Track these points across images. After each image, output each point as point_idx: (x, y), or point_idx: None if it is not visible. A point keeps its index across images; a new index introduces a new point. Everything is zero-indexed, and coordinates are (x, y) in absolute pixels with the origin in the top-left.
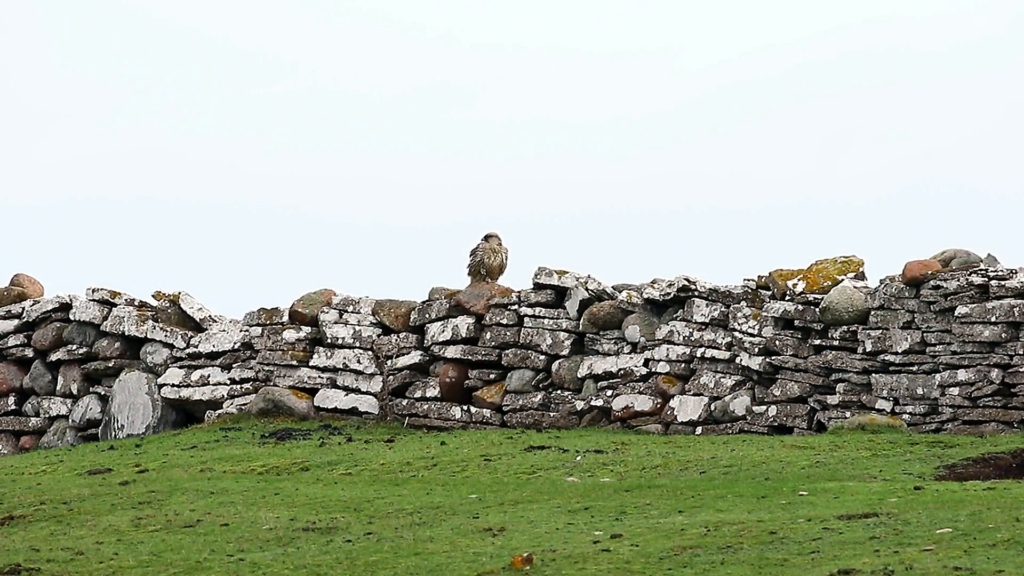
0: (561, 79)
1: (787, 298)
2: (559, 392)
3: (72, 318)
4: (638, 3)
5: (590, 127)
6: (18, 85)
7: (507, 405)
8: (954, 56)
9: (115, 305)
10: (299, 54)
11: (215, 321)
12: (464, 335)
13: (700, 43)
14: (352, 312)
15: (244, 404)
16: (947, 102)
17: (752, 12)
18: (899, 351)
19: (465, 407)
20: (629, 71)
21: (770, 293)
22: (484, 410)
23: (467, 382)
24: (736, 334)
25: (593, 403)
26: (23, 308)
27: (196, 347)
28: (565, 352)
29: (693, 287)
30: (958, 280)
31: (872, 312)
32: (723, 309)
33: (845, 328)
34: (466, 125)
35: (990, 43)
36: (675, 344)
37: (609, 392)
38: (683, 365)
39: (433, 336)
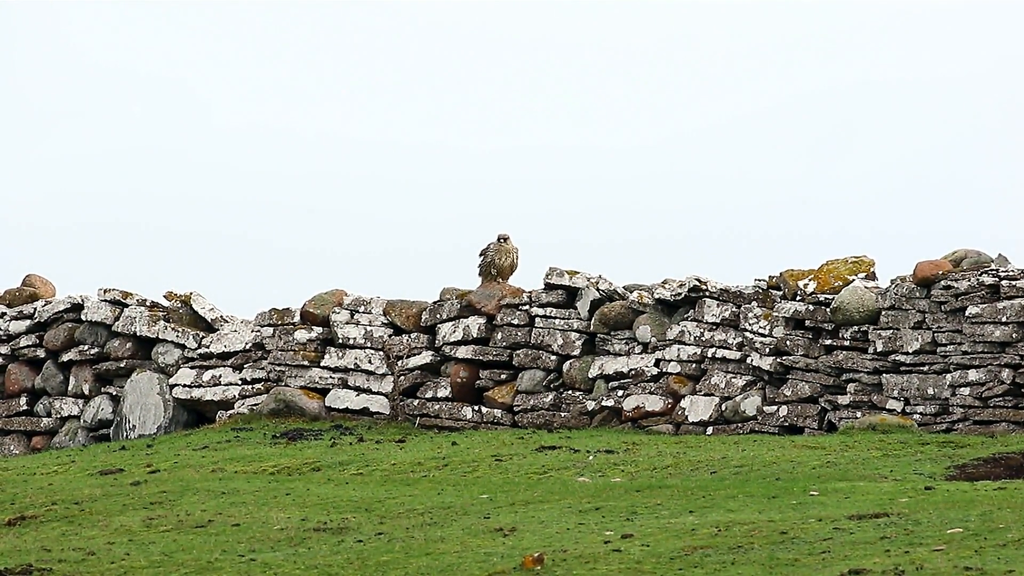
0: (568, 83)
1: (798, 298)
2: (570, 392)
3: (84, 318)
4: (651, 9)
5: (599, 129)
6: (23, 83)
7: (518, 405)
8: (961, 55)
9: (127, 305)
10: (309, 54)
11: (227, 321)
12: (475, 335)
13: (711, 43)
14: (363, 312)
15: (255, 404)
16: (954, 101)
17: (766, 21)
18: (910, 351)
19: (476, 407)
20: (639, 74)
21: (781, 293)
22: (495, 410)
23: (478, 382)
24: (747, 334)
25: (604, 403)
26: (35, 309)
27: (208, 347)
28: (576, 352)
29: (704, 287)
30: (969, 280)
31: (883, 312)
32: (734, 309)
33: (856, 328)
34: (479, 126)
35: (997, 46)
36: (686, 344)
37: (620, 392)
38: (694, 365)
39: (444, 336)
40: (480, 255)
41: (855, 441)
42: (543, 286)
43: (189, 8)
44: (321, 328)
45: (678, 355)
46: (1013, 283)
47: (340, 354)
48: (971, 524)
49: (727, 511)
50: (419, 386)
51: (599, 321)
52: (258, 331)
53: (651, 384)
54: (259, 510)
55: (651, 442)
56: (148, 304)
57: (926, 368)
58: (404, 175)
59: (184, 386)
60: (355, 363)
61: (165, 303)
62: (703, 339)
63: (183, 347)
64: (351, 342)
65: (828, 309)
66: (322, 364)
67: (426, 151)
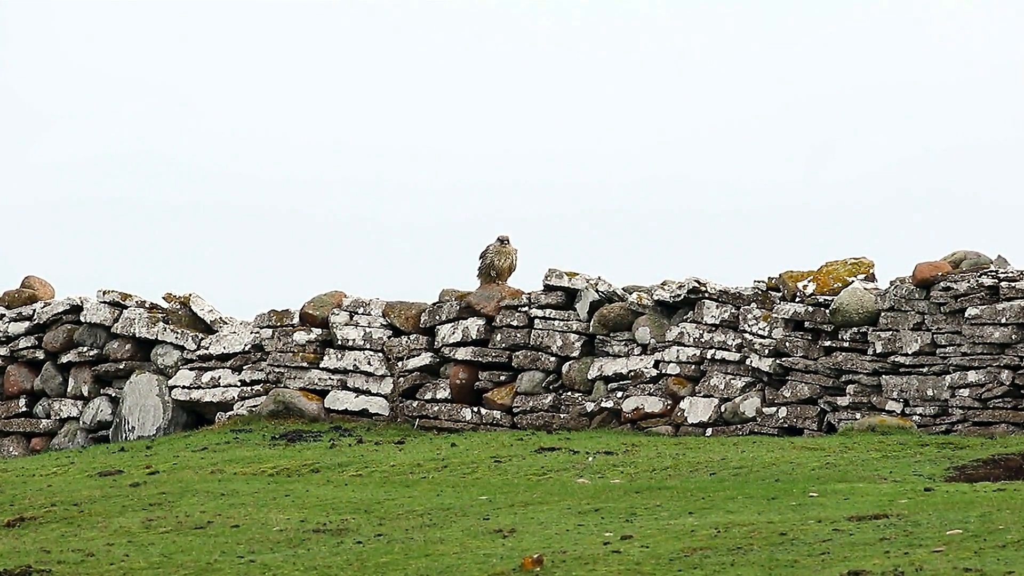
0: (567, 87)
1: (797, 300)
2: (569, 394)
3: (83, 320)
4: (650, 14)
5: (598, 127)
6: (22, 83)
7: (517, 407)
8: (960, 59)
9: (126, 307)
10: (306, 57)
11: (226, 323)
12: (474, 337)
13: (708, 40)
14: (363, 314)
15: (255, 406)
16: (953, 104)
17: (764, 25)
18: (909, 352)
19: (475, 409)
20: (637, 78)
21: (780, 295)
22: (494, 412)
23: (477, 384)
24: (746, 335)
25: (603, 405)
26: (34, 310)
27: (207, 349)
28: (575, 354)
29: (703, 289)
30: (968, 281)
31: (882, 313)
32: (733, 311)
33: (855, 329)
34: (479, 129)
35: (998, 43)
36: (685, 346)
37: (619, 394)
38: (693, 367)
39: (443, 338)
40: (479, 257)
41: (854, 442)
42: (542, 287)
43: (185, 12)
44: (320, 330)
45: (677, 356)
46: (1012, 284)
47: (339, 355)
48: (971, 525)
49: (726, 512)
50: (418, 387)
51: (598, 322)
52: (257, 332)
53: (650, 385)
54: (258, 511)
55: (650, 443)
56: (147, 306)
57: (925, 369)
58: (403, 178)
59: (183, 387)
60: (354, 364)
61: (164, 305)
62: (702, 340)
63: (182, 348)
64: (350, 343)
65: (827, 310)
66: (321, 366)
67: (426, 154)
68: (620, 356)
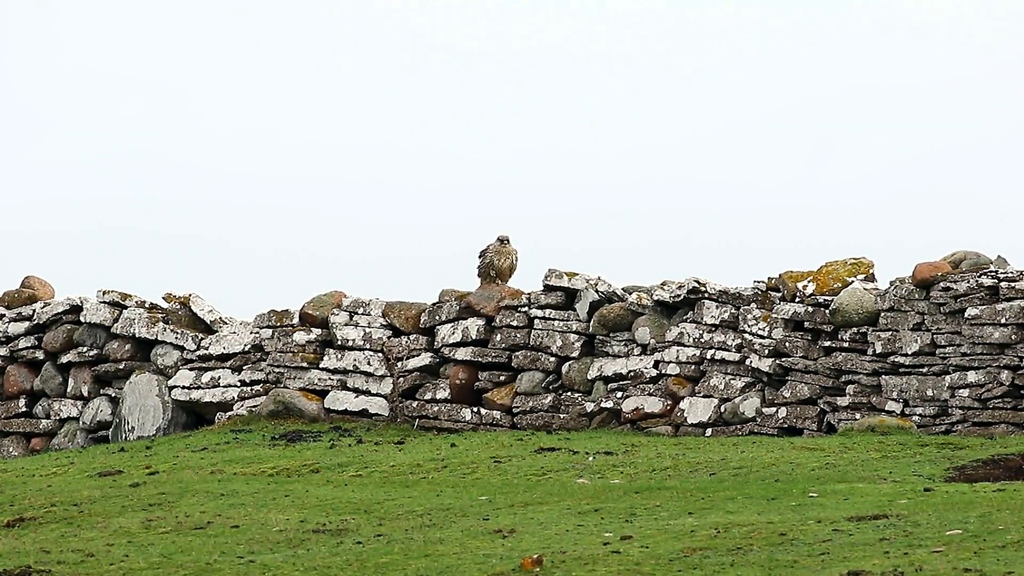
0: (567, 87)
1: (797, 300)
2: (569, 394)
3: (83, 320)
4: (649, 15)
5: (598, 127)
6: (22, 83)
7: (517, 407)
8: (963, 57)
9: (125, 307)
10: (305, 57)
11: (225, 323)
12: (474, 337)
13: (708, 40)
14: (362, 314)
15: (254, 406)
16: (955, 103)
17: (764, 25)
18: (909, 352)
19: (475, 409)
20: (636, 79)
21: (780, 295)
22: (494, 412)
23: (477, 384)
24: (746, 336)
25: (603, 405)
26: (34, 310)
27: (206, 349)
28: (575, 354)
29: (703, 289)
30: (968, 282)
31: (882, 314)
32: (733, 311)
33: (855, 330)
34: (479, 129)
35: (998, 42)
36: (685, 346)
37: (619, 394)
38: (693, 367)
39: (443, 338)
40: (479, 256)
41: (854, 443)
42: (542, 288)
43: (184, 12)
44: (320, 330)
45: (677, 357)
46: (1012, 284)
47: (339, 356)
48: (970, 526)
49: (726, 513)
50: (418, 388)
51: (598, 323)
52: (257, 333)
53: (650, 386)
54: (258, 512)
55: (650, 444)
56: (147, 306)
57: (925, 370)
58: (404, 178)
59: (183, 388)
60: (354, 365)
61: (164, 305)
62: (702, 341)
63: (182, 349)
64: (350, 344)
65: (827, 311)
66: (321, 366)
67: (426, 154)
68: (620, 356)
